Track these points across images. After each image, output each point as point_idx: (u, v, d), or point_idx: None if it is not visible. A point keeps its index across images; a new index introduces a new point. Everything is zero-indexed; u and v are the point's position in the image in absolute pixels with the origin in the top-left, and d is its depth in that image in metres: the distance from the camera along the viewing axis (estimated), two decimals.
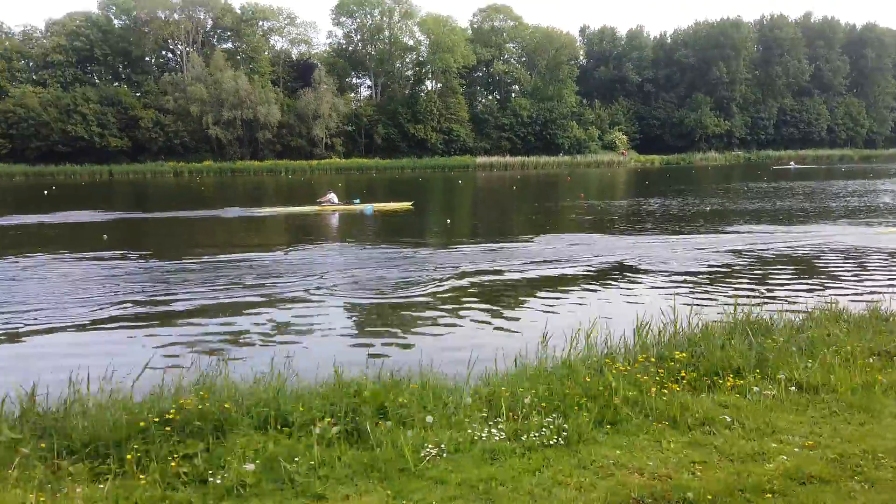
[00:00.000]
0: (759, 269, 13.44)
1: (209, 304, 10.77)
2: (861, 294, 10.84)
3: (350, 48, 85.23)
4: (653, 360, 5.90)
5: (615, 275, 13.05)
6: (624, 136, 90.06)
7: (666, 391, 5.16)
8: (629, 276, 12.80)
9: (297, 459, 3.78)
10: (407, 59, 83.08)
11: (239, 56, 78.77)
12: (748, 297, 10.35)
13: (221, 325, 9.53)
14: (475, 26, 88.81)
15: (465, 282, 12.39)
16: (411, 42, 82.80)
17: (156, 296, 11.40)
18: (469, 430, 4.30)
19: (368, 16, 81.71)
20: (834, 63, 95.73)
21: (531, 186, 46.72)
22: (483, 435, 4.23)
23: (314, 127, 74.06)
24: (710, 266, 13.80)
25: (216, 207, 30.27)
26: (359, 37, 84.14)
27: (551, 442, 4.20)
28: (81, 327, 9.50)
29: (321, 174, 69.08)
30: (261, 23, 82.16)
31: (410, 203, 29.32)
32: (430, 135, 79.58)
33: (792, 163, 73.50)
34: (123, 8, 75.23)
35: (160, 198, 41.22)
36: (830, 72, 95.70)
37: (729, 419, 4.71)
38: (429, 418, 4.35)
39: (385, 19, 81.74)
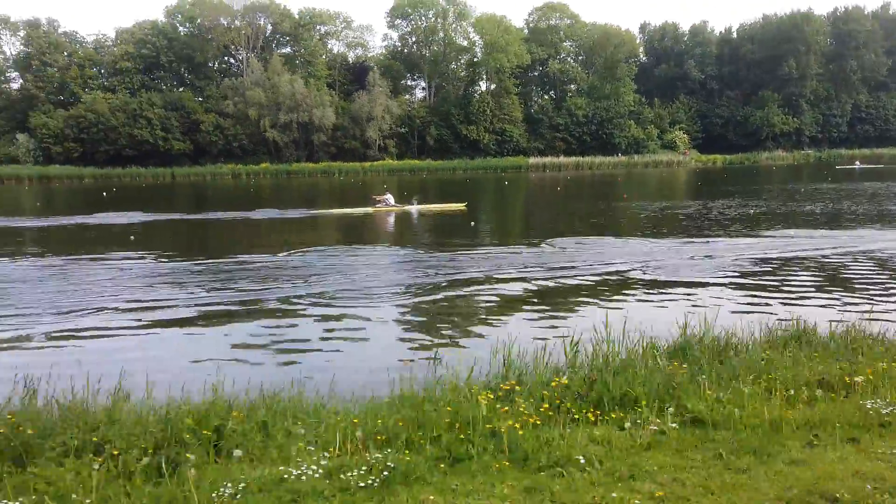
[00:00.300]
0: (765, 280, 12.55)
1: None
2: (867, 311, 9.94)
3: (405, 50, 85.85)
4: (555, 383, 5.50)
5: (592, 284, 12.42)
6: (685, 135, 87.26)
7: (540, 422, 4.76)
8: (606, 287, 12.13)
9: (73, 496, 3.59)
10: (461, 60, 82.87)
11: (297, 60, 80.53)
12: (733, 312, 9.66)
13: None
14: (531, 25, 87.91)
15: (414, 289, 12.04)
16: (465, 43, 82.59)
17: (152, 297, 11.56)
18: (285, 466, 4.02)
19: (423, 17, 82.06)
20: None
21: (577, 188, 45.75)
22: (297, 472, 3.94)
23: (367, 129, 74.89)
24: (709, 275, 13.01)
25: (267, 207, 31.00)
26: (413, 39, 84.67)
27: (367, 482, 3.89)
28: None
29: (373, 175, 69.80)
30: (318, 27, 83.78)
31: (464, 204, 29.21)
32: (482, 136, 79.22)
33: (857, 162, 69.39)
34: (188, 16, 78.06)
35: (205, 199, 42.36)
36: None
37: (589, 459, 4.27)
38: (237, 452, 4.10)
39: (439, 20, 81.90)
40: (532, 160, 76.11)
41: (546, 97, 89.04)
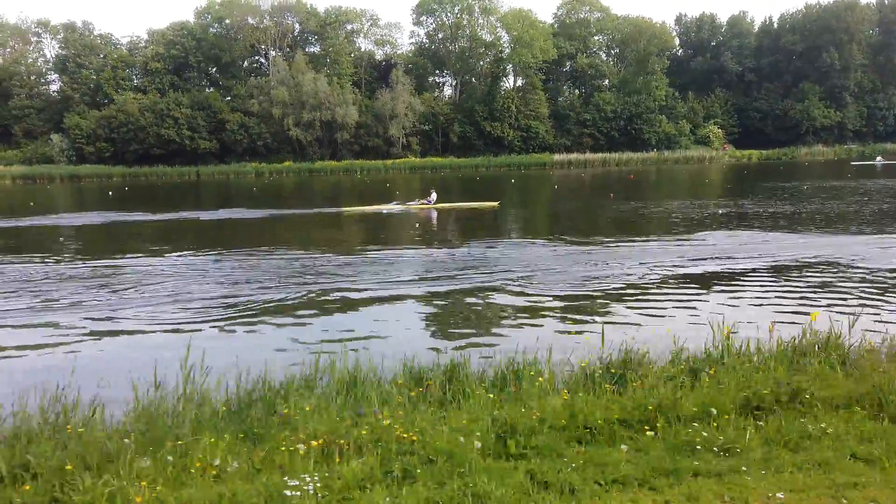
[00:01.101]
0: (708, 289, 11.65)
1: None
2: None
3: (433, 47, 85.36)
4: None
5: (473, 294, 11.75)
6: (719, 130, 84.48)
7: None
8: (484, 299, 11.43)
9: None
10: (487, 57, 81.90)
11: (323, 59, 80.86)
12: (657, 327, 9.00)
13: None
14: (560, 19, 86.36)
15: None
16: (490, 38, 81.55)
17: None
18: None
19: (448, 13, 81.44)
20: None
21: (578, 186, 44.47)
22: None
23: (390, 127, 74.79)
24: (641, 282, 12.17)
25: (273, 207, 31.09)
26: (440, 35, 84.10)
27: None
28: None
29: (395, 173, 69.61)
30: (345, 25, 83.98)
31: (497, 202, 29.16)
32: (507, 132, 78.24)
33: (879, 158, 65.88)
34: (216, 16, 79.28)
35: (212, 197, 42.62)
36: None
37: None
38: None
39: (465, 16, 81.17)
40: (556, 157, 74.80)
41: (574, 92, 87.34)
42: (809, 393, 5.28)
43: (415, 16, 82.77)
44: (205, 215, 28.67)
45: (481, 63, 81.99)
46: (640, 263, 14.23)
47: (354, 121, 74.39)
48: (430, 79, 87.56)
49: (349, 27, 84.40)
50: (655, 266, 13.88)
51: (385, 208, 28.08)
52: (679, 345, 6.80)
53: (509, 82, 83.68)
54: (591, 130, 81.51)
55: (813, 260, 14.18)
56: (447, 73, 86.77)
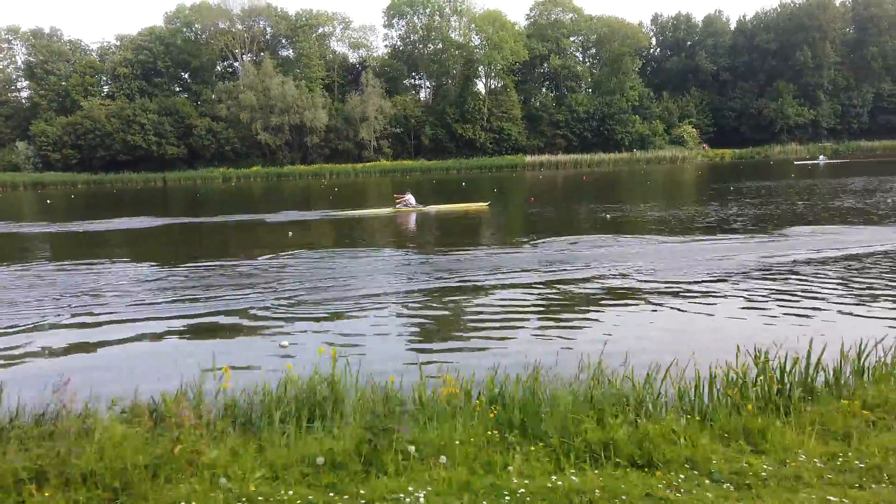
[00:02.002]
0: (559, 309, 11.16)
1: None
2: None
3: (406, 49, 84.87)
4: None
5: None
6: (693, 130, 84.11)
7: None
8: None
9: None
10: (459, 59, 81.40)
11: (294, 63, 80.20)
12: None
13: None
14: (533, 20, 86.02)
15: None
16: (462, 40, 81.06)
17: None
18: None
19: (419, 15, 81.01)
20: None
21: (517, 189, 43.90)
22: None
23: (361, 130, 74.29)
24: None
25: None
26: (412, 37, 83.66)
27: None
28: None
29: (365, 177, 69.19)
30: (317, 29, 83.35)
31: (487, 204, 28.86)
32: (478, 134, 77.81)
33: (822, 157, 65.70)
34: (186, 21, 78.68)
35: (161, 204, 42.07)
36: None
37: None
38: None
39: (436, 18, 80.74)
40: (528, 159, 74.42)
41: (549, 94, 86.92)
42: None
43: (386, 18, 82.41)
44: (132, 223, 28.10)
45: (453, 65, 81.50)
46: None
47: (324, 124, 73.87)
48: (406, 81, 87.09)
49: (321, 30, 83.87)
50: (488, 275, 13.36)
51: (372, 212, 27.70)
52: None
53: (483, 84, 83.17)
54: (563, 132, 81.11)
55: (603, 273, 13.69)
56: (422, 76, 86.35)
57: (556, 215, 25.33)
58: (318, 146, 75.32)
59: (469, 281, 12.59)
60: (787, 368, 5.83)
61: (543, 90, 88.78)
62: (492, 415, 5.13)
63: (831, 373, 6.03)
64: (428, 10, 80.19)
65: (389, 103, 76.15)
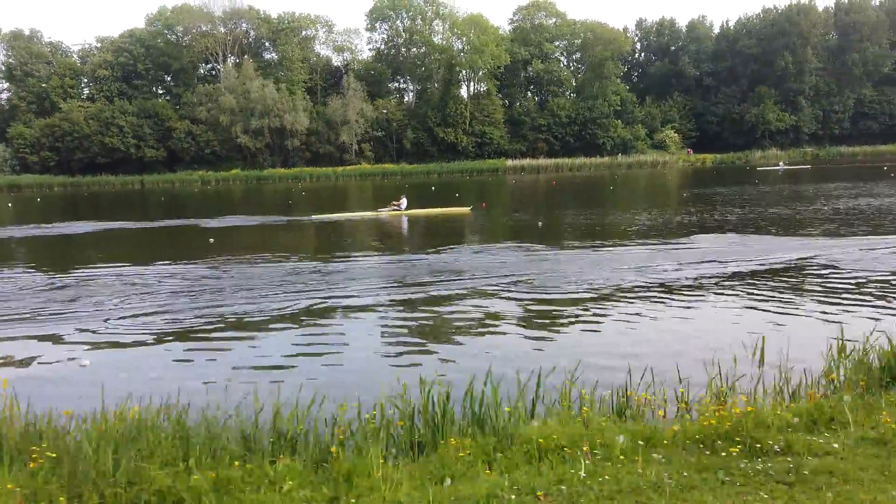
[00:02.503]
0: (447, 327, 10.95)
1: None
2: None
3: (390, 53, 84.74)
4: None
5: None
6: (675, 135, 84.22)
7: None
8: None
9: None
10: (440, 62, 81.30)
11: (276, 65, 79.93)
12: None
13: None
14: (516, 25, 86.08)
15: None
16: (444, 44, 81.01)
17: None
18: None
19: (402, 19, 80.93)
20: None
21: (491, 193, 43.78)
22: None
23: (342, 133, 74.08)
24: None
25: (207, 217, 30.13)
26: (394, 41, 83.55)
27: None
28: None
29: (346, 180, 68.92)
30: (301, 31, 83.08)
31: (470, 208, 28.86)
32: (460, 138, 77.72)
33: (781, 163, 65.82)
34: (167, 23, 78.34)
35: (139, 206, 41.68)
36: None
37: None
38: None
39: (418, 21, 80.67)
40: (510, 162, 74.40)
41: (531, 98, 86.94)
42: None
43: (369, 22, 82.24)
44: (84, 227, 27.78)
45: (437, 69, 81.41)
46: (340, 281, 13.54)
47: (305, 128, 73.62)
48: (391, 85, 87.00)
49: (304, 33, 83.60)
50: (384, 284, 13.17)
51: (357, 215, 27.82)
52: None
53: (466, 88, 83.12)
54: (546, 136, 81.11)
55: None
56: (403, 80, 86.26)
57: (493, 221, 25.16)
58: (298, 149, 75.07)
59: (314, 292, 12.27)
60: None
61: (528, 94, 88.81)
62: None
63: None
64: (410, 14, 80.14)
65: (371, 107, 75.99)
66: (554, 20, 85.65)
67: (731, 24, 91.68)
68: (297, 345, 8.99)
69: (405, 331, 9.62)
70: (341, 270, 14.71)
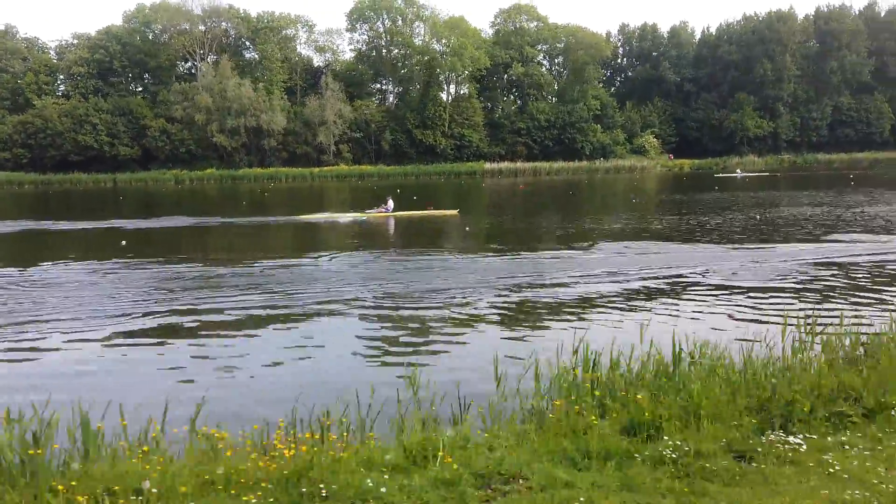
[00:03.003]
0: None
1: None
2: None
3: (371, 54, 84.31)
4: None
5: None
6: (654, 140, 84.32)
7: None
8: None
9: None
10: (419, 64, 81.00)
11: (255, 65, 79.28)
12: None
13: None
14: (496, 28, 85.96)
15: None
16: (424, 45, 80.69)
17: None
18: None
19: (383, 20, 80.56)
20: None
21: (461, 196, 43.64)
22: None
23: (319, 134, 73.62)
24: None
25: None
26: (379, 42, 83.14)
27: None
28: None
29: (322, 181, 68.50)
30: (282, 31, 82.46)
31: (456, 210, 28.80)
32: (439, 140, 77.40)
33: (739, 170, 65.95)
34: (144, 20, 77.59)
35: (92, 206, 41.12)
36: None
37: None
38: None
39: (399, 22, 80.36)
40: (488, 165, 74.26)
41: (511, 101, 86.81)
42: None
43: (349, 23, 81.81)
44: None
45: (419, 72, 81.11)
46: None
47: (282, 127, 73.08)
48: (373, 86, 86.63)
49: (284, 33, 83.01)
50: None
51: (342, 217, 27.71)
52: None
53: (448, 91, 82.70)
54: (525, 139, 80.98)
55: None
56: (383, 81, 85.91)
57: (426, 226, 24.89)
58: (275, 149, 74.51)
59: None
60: None
61: (510, 98, 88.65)
62: None
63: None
64: (391, 15, 79.80)
65: (349, 107, 75.54)
66: (535, 24, 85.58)
67: (713, 30, 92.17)
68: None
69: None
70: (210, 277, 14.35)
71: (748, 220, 23.63)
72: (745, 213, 26.19)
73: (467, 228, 22.93)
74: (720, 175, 62.19)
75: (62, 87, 78.15)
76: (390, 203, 27.84)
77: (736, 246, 17.44)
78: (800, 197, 33.40)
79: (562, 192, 45.42)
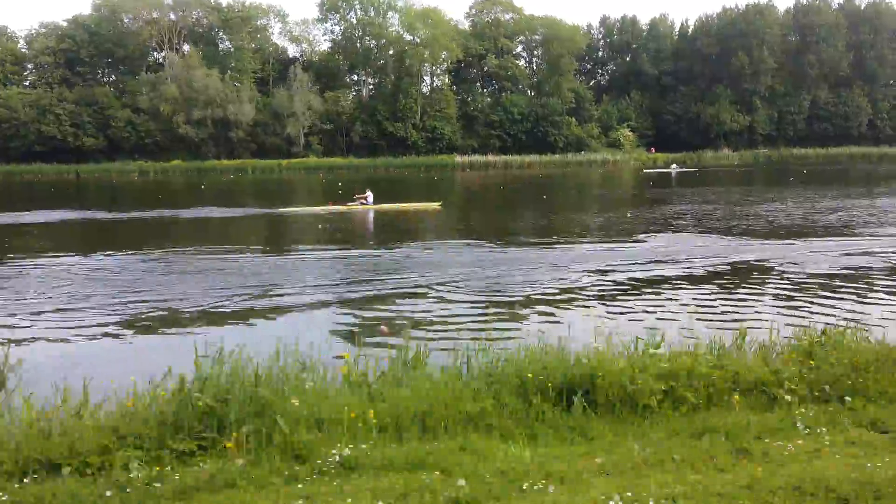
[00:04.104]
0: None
1: None
2: None
3: (344, 44, 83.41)
4: None
5: None
6: (630, 133, 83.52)
7: None
8: None
9: None
10: (390, 56, 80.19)
11: (233, 55, 78.33)
12: None
13: None
14: (471, 20, 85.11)
15: None
16: (395, 37, 79.88)
17: None
18: None
19: (355, 10, 79.67)
20: (880, 50, 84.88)
21: (411, 190, 42.95)
22: None
23: (287, 125, 72.88)
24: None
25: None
26: (352, 33, 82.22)
27: None
28: None
29: (290, 173, 67.75)
30: (255, 21, 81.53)
31: (439, 203, 28.34)
32: (410, 133, 76.66)
33: (674, 166, 65.11)
34: (113, 9, 76.63)
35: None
36: (875, 60, 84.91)
37: None
38: None
39: (371, 13, 79.48)
40: (459, 159, 73.55)
41: (485, 93, 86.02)
42: None
43: (321, 13, 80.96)
44: None
45: (382, 62, 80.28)
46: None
47: (250, 119, 72.32)
48: (347, 78, 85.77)
49: (257, 23, 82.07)
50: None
51: (323, 209, 27.06)
52: None
53: (418, 82, 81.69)
54: (498, 132, 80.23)
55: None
56: (355, 72, 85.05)
57: (306, 225, 24.23)
58: (243, 141, 73.79)
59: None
60: None
61: (484, 90, 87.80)
62: None
63: None
64: (362, 5, 78.88)
65: (319, 99, 74.75)
66: (510, 15, 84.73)
67: (691, 23, 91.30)
68: None
69: None
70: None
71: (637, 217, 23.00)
72: (643, 209, 25.65)
73: (327, 227, 22.43)
74: (649, 171, 61.36)
75: (29, 77, 77.35)
76: (369, 195, 27.28)
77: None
78: (719, 194, 32.75)
79: (505, 188, 44.70)
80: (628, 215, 24.01)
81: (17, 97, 70.10)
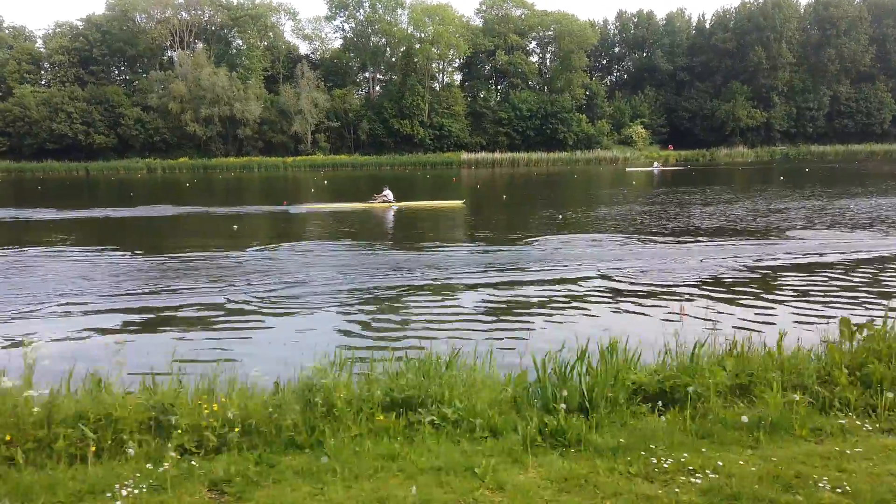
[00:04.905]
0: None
1: None
2: None
3: (354, 41, 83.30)
4: None
5: None
6: (643, 130, 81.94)
7: None
8: None
9: None
10: (399, 52, 79.83)
11: (243, 53, 78.76)
12: None
13: None
14: (482, 15, 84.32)
15: None
16: (403, 32, 79.44)
17: None
18: None
19: (363, 7, 79.44)
20: None
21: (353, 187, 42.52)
22: None
23: (294, 123, 73.06)
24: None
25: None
26: (360, 30, 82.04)
27: None
28: None
29: (295, 171, 67.90)
30: (262, 18, 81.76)
31: (462, 201, 28.39)
32: (416, 130, 76.23)
33: (656, 164, 63.08)
34: (124, 8, 77.57)
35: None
36: None
37: None
38: None
39: (380, 10, 79.15)
40: (465, 156, 73.03)
41: (495, 90, 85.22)
42: None
43: (329, 10, 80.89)
44: None
45: (394, 59, 79.97)
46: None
47: (256, 116, 72.62)
48: (363, 75, 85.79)
49: (268, 21, 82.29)
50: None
51: (347, 206, 27.37)
52: None
53: (426, 79, 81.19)
54: (507, 129, 79.38)
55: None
56: (363, 70, 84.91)
57: (265, 224, 23.93)
58: (251, 138, 74.16)
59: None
60: None
61: (496, 87, 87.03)
62: None
63: None
64: (370, 2, 78.56)
65: (326, 96, 74.77)
66: (521, 11, 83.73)
67: (708, 17, 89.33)
68: None
69: None
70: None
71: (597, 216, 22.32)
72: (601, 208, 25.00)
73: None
74: (632, 169, 60.00)
75: (44, 76, 78.71)
76: (387, 192, 27.39)
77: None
78: (704, 193, 31.68)
79: (499, 188, 44.10)
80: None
81: (30, 96, 71.37)
